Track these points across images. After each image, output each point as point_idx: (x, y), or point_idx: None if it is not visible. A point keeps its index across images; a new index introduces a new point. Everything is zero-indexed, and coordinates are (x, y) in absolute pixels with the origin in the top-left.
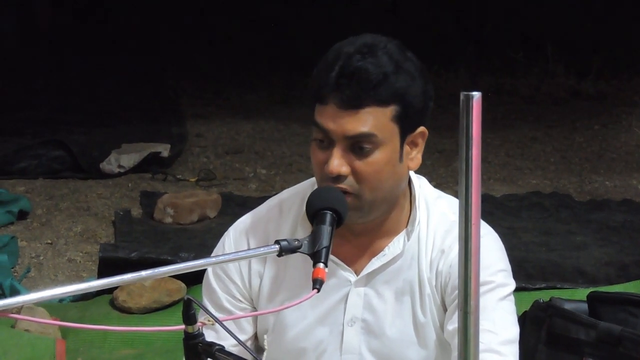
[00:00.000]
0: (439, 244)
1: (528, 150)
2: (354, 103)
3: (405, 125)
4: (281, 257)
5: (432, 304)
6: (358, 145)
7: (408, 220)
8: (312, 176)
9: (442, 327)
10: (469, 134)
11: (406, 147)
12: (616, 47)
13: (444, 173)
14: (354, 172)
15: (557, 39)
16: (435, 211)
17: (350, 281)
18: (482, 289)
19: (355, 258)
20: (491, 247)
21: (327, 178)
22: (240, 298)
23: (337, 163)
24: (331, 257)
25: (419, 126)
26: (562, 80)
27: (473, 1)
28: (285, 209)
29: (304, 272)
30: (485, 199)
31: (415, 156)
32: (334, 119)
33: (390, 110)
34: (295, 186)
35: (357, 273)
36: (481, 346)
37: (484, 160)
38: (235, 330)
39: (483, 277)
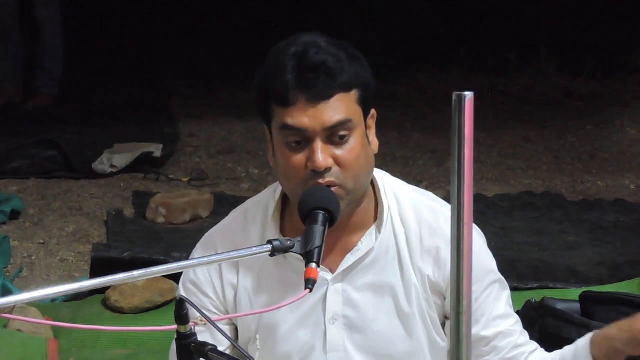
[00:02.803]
0: (428, 233)
1: (520, 150)
2: (325, 93)
3: (365, 107)
4: (254, 266)
5: (420, 294)
6: (336, 135)
7: (376, 212)
8: None
9: (430, 317)
10: (461, 134)
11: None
12: (609, 48)
13: (437, 173)
14: (337, 162)
15: (550, 39)
16: (405, 199)
17: (326, 279)
18: (496, 286)
19: (327, 256)
20: (480, 244)
21: (312, 177)
22: (215, 311)
23: (323, 157)
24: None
25: (372, 108)
26: (555, 81)
27: (466, 1)
28: (249, 217)
29: (278, 279)
30: (478, 198)
31: (373, 139)
32: (307, 115)
33: (354, 94)
34: (257, 195)
35: (332, 271)
36: (517, 328)
37: (476, 160)
38: (211, 342)
39: (493, 276)
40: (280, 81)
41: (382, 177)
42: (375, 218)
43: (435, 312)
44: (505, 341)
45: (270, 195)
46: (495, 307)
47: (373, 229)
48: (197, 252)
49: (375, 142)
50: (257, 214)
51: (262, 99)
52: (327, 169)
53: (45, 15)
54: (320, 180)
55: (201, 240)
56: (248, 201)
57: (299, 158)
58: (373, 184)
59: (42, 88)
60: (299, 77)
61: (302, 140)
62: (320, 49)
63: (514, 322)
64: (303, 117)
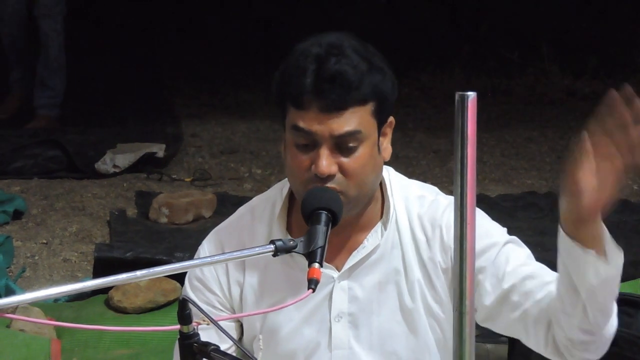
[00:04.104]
0: (430, 223)
1: (523, 150)
2: (339, 105)
3: (381, 117)
4: (260, 264)
5: (424, 288)
6: (344, 144)
7: (382, 210)
8: None
9: (441, 308)
10: (464, 134)
11: (380, 139)
12: (611, 47)
13: (439, 173)
14: (342, 170)
15: (552, 39)
16: (412, 196)
17: (333, 277)
18: (509, 245)
19: (334, 254)
20: (480, 217)
21: (314, 180)
22: (221, 307)
23: (327, 163)
24: None
25: (389, 116)
26: (558, 80)
27: (468, 1)
28: (257, 215)
29: (284, 277)
30: (481, 199)
31: (386, 146)
32: (318, 121)
33: (369, 107)
34: (265, 192)
35: (338, 269)
36: (545, 271)
37: (479, 160)
38: (216, 340)
39: (502, 240)
40: (297, 84)
41: (389, 175)
42: (382, 215)
43: (451, 303)
44: (534, 282)
45: (278, 192)
46: (513, 260)
47: (379, 226)
48: (204, 248)
49: (387, 150)
50: (264, 212)
51: (279, 96)
52: (330, 176)
53: (50, 28)
54: (322, 185)
55: (208, 237)
56: (255, 198)
57: (305, 159)
58: (381, 182)
59: (41, 110)
60: (315, 85)
61: (310, 143)
62: (342, 57)
63: (540, 267)
64: (313, 123)
